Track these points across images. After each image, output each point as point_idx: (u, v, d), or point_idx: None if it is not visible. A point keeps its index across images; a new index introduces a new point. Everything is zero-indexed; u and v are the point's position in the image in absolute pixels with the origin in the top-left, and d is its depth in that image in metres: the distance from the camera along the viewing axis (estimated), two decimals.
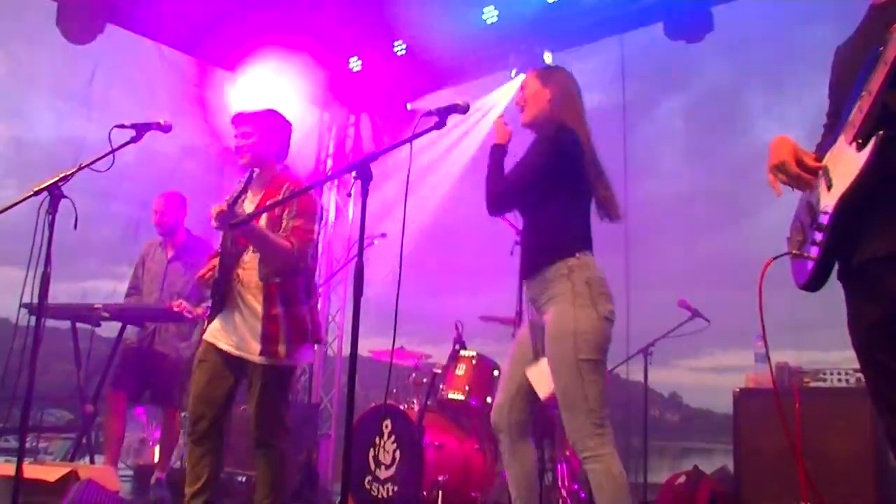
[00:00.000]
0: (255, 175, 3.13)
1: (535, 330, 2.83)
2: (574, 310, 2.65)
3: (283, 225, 3.13)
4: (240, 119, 3.29)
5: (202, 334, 3.27)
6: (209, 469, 3.11)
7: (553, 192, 2.78)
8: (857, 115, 1.76)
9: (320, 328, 3.34)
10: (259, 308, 3.09)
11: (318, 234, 3.24)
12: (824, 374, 4.29)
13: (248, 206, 3.19)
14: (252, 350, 3.08)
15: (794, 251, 1.99)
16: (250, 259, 3.14)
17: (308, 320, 3.19)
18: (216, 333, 3.18)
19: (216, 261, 3.22)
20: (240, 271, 3.16)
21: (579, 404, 2.60)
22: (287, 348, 3.08)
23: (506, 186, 2.82)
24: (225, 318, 3.17)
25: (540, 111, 2.91)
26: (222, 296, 3.15)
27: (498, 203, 2.86)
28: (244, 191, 3.02)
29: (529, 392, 2.82)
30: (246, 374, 3.15)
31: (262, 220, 3.13)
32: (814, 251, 1.90)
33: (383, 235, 4.93)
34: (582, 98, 2.97)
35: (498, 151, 2.90)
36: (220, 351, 3.14)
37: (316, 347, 3.74)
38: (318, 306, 3.35)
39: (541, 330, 2.78)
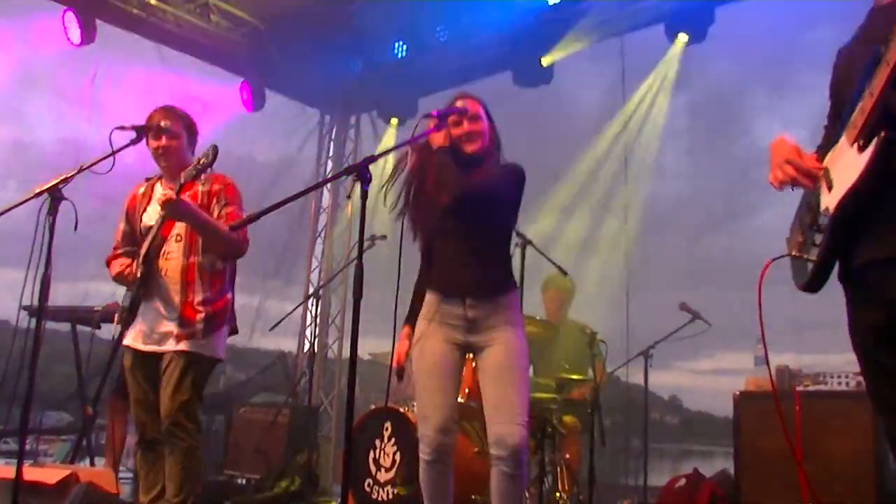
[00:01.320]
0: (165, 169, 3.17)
1: (459, 347, 2.91)
2: (524, 333, 2.92)
3: (216, 214, 3.13)
4: (163, 117, 3.20)
5: (121, 338, 3.20)
6: (164, 473, 3.06)
7: (512, 225, 3.08)
8: (858, 117, 1.75)
9: (234, 318, 3.28)
10: (178, 298, 3.06)
11: None
12: (824, 377, 4.28)
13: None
14: (169, 340, 3.04)
15: (793, 252, 1.98)
16: (174, 250, 3.11)
17: (228, 309, 3.18)
18: (137, 337, 3.12)
19: (126, 260, 3.17)
20: (162, 262, 3.11)
21: (525, 411, 2.80)
22: (203, 331, 3.05)
23: (498, 192, 2.89)
24: (145, 316, 3.11)
25: (488, 145, 2.96)
26: (145, 293, 3.10)
27: (484, 198, 2.86)
28: (195, 178, 3.00)
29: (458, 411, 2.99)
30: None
31: None
32: (814, 252, 1.89)
33: (384, 237, 4.92)
34: None
35: (447, 152, 2.87)
36: (142, 355, 3.09)
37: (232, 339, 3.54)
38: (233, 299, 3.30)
39: (465, 347, 2.90)
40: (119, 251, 3.27)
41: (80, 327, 4.69)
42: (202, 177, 3.15)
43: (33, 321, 2.79)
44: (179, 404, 2.99)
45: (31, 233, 2.70)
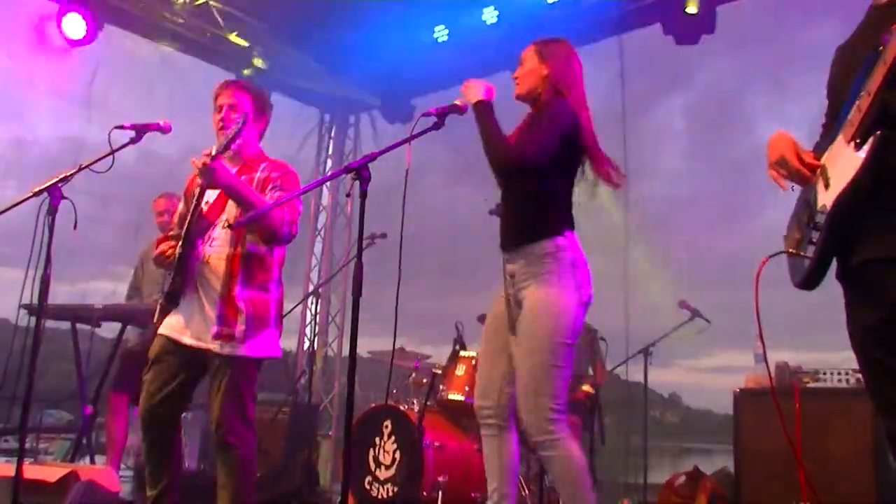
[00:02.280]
0: (232, 142, 2.89)
1: (511, 306, 2.74)
2: (559, 291, 2.62)
3: (268, 198, 2.95)
4: (230, 90, 3.08)
5: (156, 328, 3.01)
6: (170, 471, 2.96)
7: (550, 168, 2.72)
8: (855, 115, 1.75)
9: (282, 319, 3.10)
10: (220, 288, 2.88)
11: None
12: (824, 374, 4.29)
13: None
14: (210, 337, 2.87)
15: (790, 250, 1.99)
16: (220, 237, 2.96)
17: (274, 308, 3.00)
18: (176, 326, 2.94)
19: (170, 242, 2.99)
20: (206, 248, 2.95)
21: (545, 388, 2.56)
22: (245, 333, 2.86)
23: (534, 153, 2.66)
24: (185, 306, 2.94)
25: (534, 87, 2.86)
26: (184, 279, 2.92)
27: (520, 163, 2.68)
28: (227, 147, 2.84)
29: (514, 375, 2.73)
30: (206, 367, 2.92)
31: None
32: (810, 250, 1.90)
33: (383, 235, 4.92)
34: (582, 70, 2.90)
35: (488, 107, 2.75)
36: (179, 346, 2.91)
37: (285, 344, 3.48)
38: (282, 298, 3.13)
39: (517, 305, 2.72)
40: (171, 234, 3.11)
41: (79, 326, 4.69)
42: (263, 164, 3.05)
43: (33, 320, 2.78)
44: (234, 411, 2.86)
45: (31, 232, 2.70)
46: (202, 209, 2.98)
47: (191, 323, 2.92)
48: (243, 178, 2.98)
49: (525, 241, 2.70)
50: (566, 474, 2.57)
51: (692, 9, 5.61)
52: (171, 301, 2.95)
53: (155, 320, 3.03)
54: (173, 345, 2.93)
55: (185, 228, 2.93)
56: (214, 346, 2.86)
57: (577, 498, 2.56)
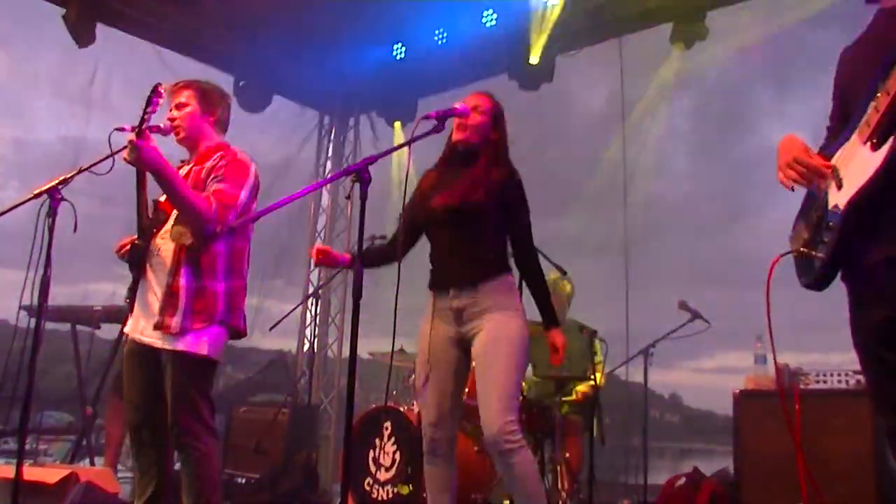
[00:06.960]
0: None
1: (452, 339, 2.93)
2: (520, 320, 2.89)
3: (206, 188, 2.86)
4: (176, 89, 2.99)
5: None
6: (158, 477, 2.90)
7: (499, 222, 3.02)
8: (873, 115, 1.74)
9: (240, 317, 2.96)
10: (166, 280, 2.80)
11: (246, 203, 2.89)
12: (824, 375, 4.29)
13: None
14: (157, 330, 2.78)
15: (801, 249, 1.97)
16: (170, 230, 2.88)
17: (222, 301, 2.85)
18: (134, 325, 2.89)
19: (133, 237, 2.94)
20: (159, 241, 2.87)
21: (512, 401, 2.76)
22: (181, 325, 2.75)
23: (475, 206, 2.93)
24: (140, 301, 2.89)
25: (481, 142, 3.00)
26: (139, 271, 2.88)
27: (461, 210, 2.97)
28: (142, 121, 2.69)
29: (461, 408, 2.98)
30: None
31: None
32: (821, 250, 1.89)
33: (383, 237, 4.92)
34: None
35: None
36: (138, 346, 2.87)
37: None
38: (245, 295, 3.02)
39: (457, 337, 2.91)
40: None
41: (79, 327, 4.69)
42: (217, 153, 2.93)
43: (33, 321, 2.78)
44: (184, 410, 2.78)
45: (31, 233, 2.70)
46: (158, 201, 2.94)
47: (142, 317, 2.86)
48: (196, 167, 2.92)
49: (483, 277, 2.89)
50: (529, 478, 2.75)
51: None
52: (130, 294, 2.92)
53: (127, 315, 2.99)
54: (134, 347, 2.88)
55: (137, 221, 2.88)
56: (156, 340, 2.79)
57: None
